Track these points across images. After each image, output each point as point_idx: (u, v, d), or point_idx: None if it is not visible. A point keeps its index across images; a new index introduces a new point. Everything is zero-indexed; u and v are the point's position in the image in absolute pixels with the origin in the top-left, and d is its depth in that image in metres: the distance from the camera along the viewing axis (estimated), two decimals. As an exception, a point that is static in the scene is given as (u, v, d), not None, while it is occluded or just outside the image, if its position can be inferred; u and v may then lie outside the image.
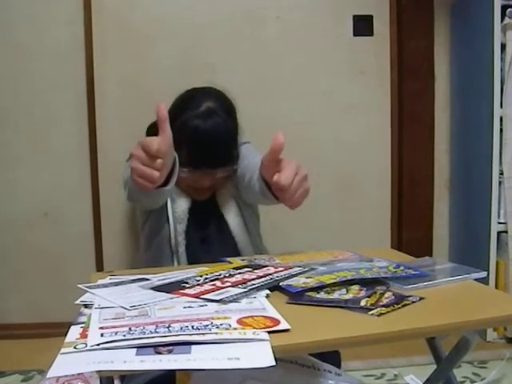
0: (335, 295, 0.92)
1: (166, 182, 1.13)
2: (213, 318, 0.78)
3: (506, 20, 1.98)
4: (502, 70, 2.01)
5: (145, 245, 1.58)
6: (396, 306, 0.87)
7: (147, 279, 1.05)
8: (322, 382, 1.02)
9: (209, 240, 1.52)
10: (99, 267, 2.16)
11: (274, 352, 0.68)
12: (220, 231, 1.53)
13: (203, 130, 1.39)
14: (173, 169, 1.14)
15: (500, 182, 2.05)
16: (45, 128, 2.13)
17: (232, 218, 1.53)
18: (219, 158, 1.43)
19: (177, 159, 1.17)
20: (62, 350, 0.69)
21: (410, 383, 1.75)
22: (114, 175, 2.05)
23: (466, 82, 2.25)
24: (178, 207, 1.50)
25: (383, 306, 0.87)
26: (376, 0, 2.26)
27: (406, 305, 0.88)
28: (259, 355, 0.67)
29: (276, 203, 1.19)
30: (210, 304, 0.86)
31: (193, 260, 1.43)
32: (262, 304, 0.86)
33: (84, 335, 0.75)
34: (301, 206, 1.16)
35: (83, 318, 0.83)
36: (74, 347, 0.70)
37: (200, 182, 1.46)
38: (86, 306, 0.90)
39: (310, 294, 0.93)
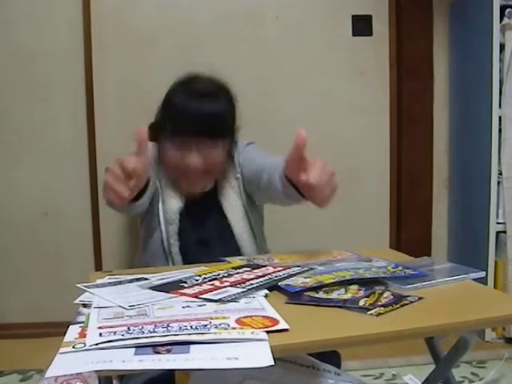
0: (334, 295, 0.92)
1: (137, 197, 1.16)
2: (211, 318, 0.78)
3: (505, 20, 1.98)
4: (500, 70, 2.01)
5: (142, 246, 1.58)
6: (394, 306, 0.87)
7: (146, 279, 1.05)
8: (321, 381, 1.02)
9: (208, 241, 1.49)
10: (98, 267, 2.16)
11: (272, 352, 0.68)
12: (221, 232, 1.49)
13: (192, 91, 1.41)
14: (146, 188, 1.17)
15: (499, 182, 2.05)
16: (44, 128, 2.13)
17: (236, 220, 1.49)
18: (206, 126, 1.39)
19: (151, 180, 1.19)
20: (61, 350, 0.69)
21: (409, 383, 1.75)
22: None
23: (464, 82, 2.25)
24: (169, 208, 1.46)
25: (382, 305, 0.87)
26: (375, 0, 2.26)
27: (404, 305, 0.88)
28: (258, 355, 0.67)
29: (302, 203, 1.18)
30: (208, 304, 0.86)
31: (191, 262, 1.40)
32: (260, 304, 0.86)
33: (83, 335, 0.75)
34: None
35: (82, 318, 0.83)
36: (73, 347, 0.70)
37: (188, 158, 1.40)
38: (84, 305, 0.90)
39: (308, 293, 0.93)
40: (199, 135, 1.39)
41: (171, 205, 1.47)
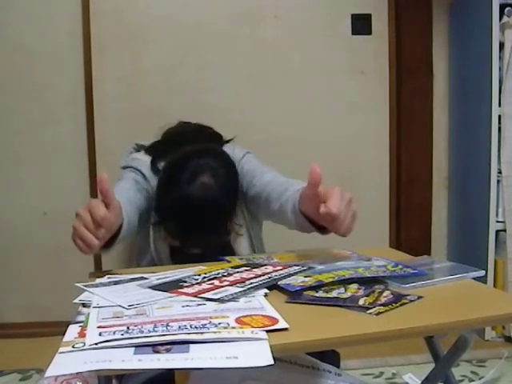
0: (333, 294, 0.92)
1: (109, 242, 1.10)
2: (211, 317, 0.78)
3: (505, 19, 1.98)
4: (500, 68, 2.01)
5: (137, 257, 1.56)
6: (394, 305, 0.87)
7: (145, 278, 1.05)
8: (321, 381, 1.01)
9: (205, 257, 1.42)
10: (97, 266, 2.16)
11: (272, 351, 0.68)
12: (220, 250, 1.40)
13: (195, 206, 1.26)
14: (118, 233, 1.11)
15: (498, 181, 2.05)
16: (43, 128, 2.13)
17: (238, 238, 1.48)
18: (210, 236, 1.33)
19: (124, 224, 1.12)
20: (61, 349, 0.69)
21: (409, 382, 1.75)
22: (112, 175, 2.03)
23: (464, 80, 2.25)
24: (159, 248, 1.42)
25: (381, 304, 0.87)
26: (374, -1, 2.26)
27: (404, 304, 0.88)
28: (257, 354, 0.67)
29: (319, 234, 1.16)
30: (208, 303, 0.86)
31: None
32: (260, 303, 0.86)
33: (82, 334, 0.75)
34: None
35: (81, 317, 0.83)
36: (73, 346, 0.70)
37: (191, 250, 1.37)
38: (84, 305, 0.90)
39: (308, 292, 0.93)
40: (201, 241, 1.35)
41: (162, 248, 1.43)
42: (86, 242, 1.01)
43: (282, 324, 0.76)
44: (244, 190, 1.47)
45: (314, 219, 1.12)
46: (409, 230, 2.34)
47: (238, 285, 0.94)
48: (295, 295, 0.91)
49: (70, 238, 1.05)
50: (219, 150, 1.46)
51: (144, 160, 1.49)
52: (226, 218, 1.36)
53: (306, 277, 1.00)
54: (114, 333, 0.73)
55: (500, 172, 2.05)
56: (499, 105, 2.01)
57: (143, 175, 1.44)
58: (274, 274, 1.03)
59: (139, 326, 0.75)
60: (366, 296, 0.91)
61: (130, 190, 1.37)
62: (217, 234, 1.36)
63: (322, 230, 1.13)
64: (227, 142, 1.62)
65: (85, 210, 1.01)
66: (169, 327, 0.74)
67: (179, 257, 1.39)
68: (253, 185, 1.44)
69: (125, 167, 1.50)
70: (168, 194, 1.30)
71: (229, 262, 1.19)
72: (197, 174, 1.28)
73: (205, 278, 1.01)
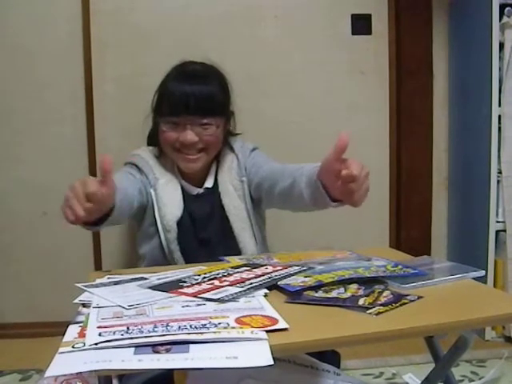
0: (333, 294, 0.92)
1: (98, 221, 1.15)
2: (211, 317, 0.78)
3: (505, 19, 1.98)
4: (500, 68, 2.00)
5: (141, 253, 1.57)
6: (394, 305, 0.87)
7: (145, 278, 1.05)
8: (320, 381, 1.02)
9: (209, 242, 1.50)
10: (97, 266, 2.16)
11: (272, 351, 0.68)
12: (223, 234, 1.51)
13: (185, 72, 1.49)
14: (108, 215, 1.16)
15: (498, 181, 2.05)
16: (43, 128, 2.13)
17: (238, 222, 1.51)
18: (200, 103, 1.45)
19: (115, 207, 1.17)
20: (60, 350, 0.69)
21: (409, 382, 1.75)
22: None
23: (464, 80, 2.25)
24: (166, 215, 1.47)
25: (381, 304, 0.87)
26: (374, -1, 2.26)
27: (404, 304, 0.88)
28: (257, 354, 0.67)
29: (327, 207, 1.18)
30: (208, 303, 0.86)
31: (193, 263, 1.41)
32: (260, 303, 0.86)
33: (82, 334, 0.75)
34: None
35: (81, 318, 0.83)
36: (72, 346, 0.70)
37: (184, 136, 1.46)
38: (84, 305, 0.90)
39: (308, 292, 0.93)
40: (192, 114, 1.45)
41: (167, 211, 1.47)
42: (72, 211, 1.03)
43: (281, 324, 0.76)
44: (251, 176, 1.53)
45: (330, 191, 1.13)
46: (409, 230, 2.34)
47: (238, 285, 0.94)
48: (295, 295, 0.92)
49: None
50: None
51: (142, 156, 1.54)
52: (214, 90, 1.49)
53: (305, 277, 1.00)
54: (114, 333, 0.73)
55: (500, 172, 2.05)
56: (499, 105, 2.01)
57: (139, 168, 1.52)
58: (273, 274, 1.03)
59: (139, 326, 0.75)
60: (366, 296, 0.91)
61: (123, 179, 1.41)
62: (206, 101, 1.45)
63: (336, 202, 1.14)
64: (236, 135, 1.65)
65: (79, 183, 1.06)
66: (169, 327, 0.74)
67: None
68: (261, 171, 1.50)
69: (125, 163, 1.54)
70: (164, 82, 1.54)
71: (229, 262, 1.19)
72: (189, 64, 1.56)
73: (205, 278, 1.01)
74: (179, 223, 1.47)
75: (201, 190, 1.54)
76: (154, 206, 1.47)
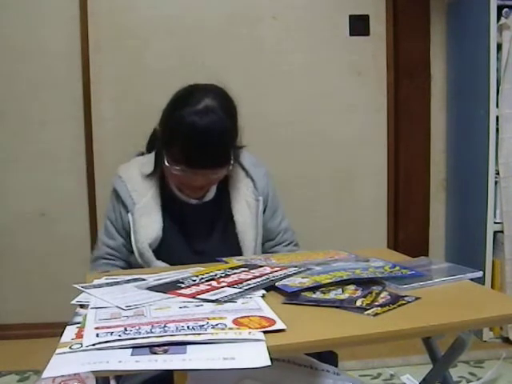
0: (331, 295, 0.92)
1: None
2: (208, 318, 0.78)
3: (502, 20, 1.98)
4: (497, 69, 2.01)
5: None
6: (392, 306, 0.87)
7: (143, 279, 1.05)
8: (320, 381, 1.01)
9: (207, 254, 1.36)
10: (95, 267, 2.16)
11: (269, 352, 0.68)
12: (227, 245, 1.43)
13: (199, 127, 1.32)
14: None
15: (496, 182, 2.05)
16: (41, 129, 2.13)
17: (247, 236, 1.47)
18: (214, 159, 1.35)
19: None
20: (58, 351, 0.69)
21: (406, 383, 1.75)
22: (110, 176, 2.03)
23: (462, 81, 2.25)
24: (140, 238, 1.41)
25: (379, 305, 0.87)
26: (372, 0, 2.26)
27: (401, 305, 0.88)
28: (255, 355, 0.67)
29: None
30: (205, 304, 0.86)
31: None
32: (257, 304, 0.86)
33: (79, 335, 0.75)
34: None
35: (79, 318, 0.83)
36: (70, 347, 0.70)
37: (193, 181, 1.38)
38: (81, 306, 0.90)
39: (305, 293, 0.93)
40: (206, 169, 1.36)
41: (142, 234, 1.41)
42: None
43: (279, 325, 0.76)
44: (264, 203, 1.51)
45: None
46: (406, 230, 2.34)
47: (236, 286, 0.94)
48: (293, 296, 0.91)
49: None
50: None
51: (123, 179, 1.47)
52: (228, 141, 1.39)
53: (303, 278, 1.00)
54: (112, 334, 0.73)
55: (498, 173, 2.05)
56: (497, 106, 2.02)
57: (117, 194, 1.47)
58: (271, 275, 1.03)
59: (137, 327, 0.75)
60: (364, 297, 0.91)
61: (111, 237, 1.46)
62: (220, 156, 1.37)
63: None
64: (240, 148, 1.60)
65: None
66: (166, 328, 0.74)
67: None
68: (272, 218, 1.53)
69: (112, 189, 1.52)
70: (173, 116, 1.37)
71: (226, 263, 1.19)
72: (200, 98, 1.37)
73: (202, 279, 1.01)
74: (162, 241, 1.42)
75: (200, 202, 1.49)
76: (131, 230, 1.43)
